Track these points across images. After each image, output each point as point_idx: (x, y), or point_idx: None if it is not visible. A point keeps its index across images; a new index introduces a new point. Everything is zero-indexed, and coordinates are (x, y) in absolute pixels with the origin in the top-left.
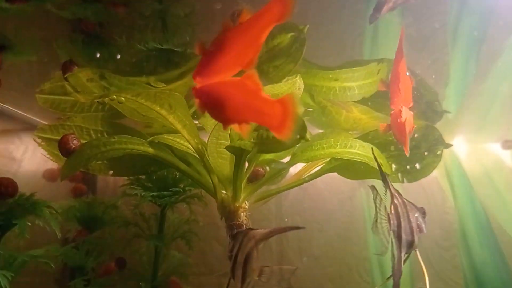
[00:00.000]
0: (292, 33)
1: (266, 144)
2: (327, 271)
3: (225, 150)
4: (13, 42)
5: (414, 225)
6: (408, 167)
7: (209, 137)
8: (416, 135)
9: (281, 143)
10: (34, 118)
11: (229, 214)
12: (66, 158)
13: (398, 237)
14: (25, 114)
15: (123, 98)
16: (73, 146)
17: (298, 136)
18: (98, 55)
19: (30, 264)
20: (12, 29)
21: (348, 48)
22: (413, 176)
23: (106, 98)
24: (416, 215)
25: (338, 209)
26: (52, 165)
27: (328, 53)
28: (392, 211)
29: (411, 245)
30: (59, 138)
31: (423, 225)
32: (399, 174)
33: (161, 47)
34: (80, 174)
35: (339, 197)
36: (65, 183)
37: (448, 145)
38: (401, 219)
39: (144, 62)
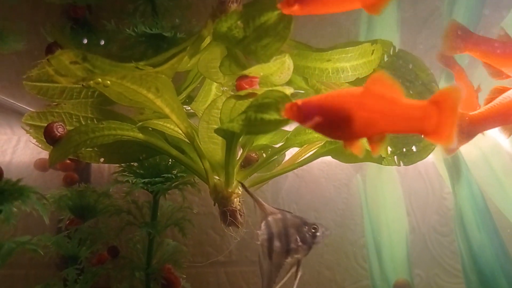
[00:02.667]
0: (279, 11)
1: (254, 125)
2: (324, 258)
3: (216, 135)
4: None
5: None
6: (404, 149)
7: (199, 122)
8: None
9: (270, 124)
10: (26, 107)
11: (222, 200)
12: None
13: None
14: (17, 104)
15: (108, 82)
16: (59, 134)
17: None
18: (86, 41)
19: (24, 256)
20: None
21: (344, 34)
22: (409, 159)
23: (91, 82)
24: None
25: (334, 196)
26: (45, 155)
27: (323, 40)
28: None
29: None
30: None
31: None
32: (395, 157)
33: (151, 31)
34: (72, 163)
35: (336, 184)
36: (59, 175)
37: None
38: None
39: (133, 48)
